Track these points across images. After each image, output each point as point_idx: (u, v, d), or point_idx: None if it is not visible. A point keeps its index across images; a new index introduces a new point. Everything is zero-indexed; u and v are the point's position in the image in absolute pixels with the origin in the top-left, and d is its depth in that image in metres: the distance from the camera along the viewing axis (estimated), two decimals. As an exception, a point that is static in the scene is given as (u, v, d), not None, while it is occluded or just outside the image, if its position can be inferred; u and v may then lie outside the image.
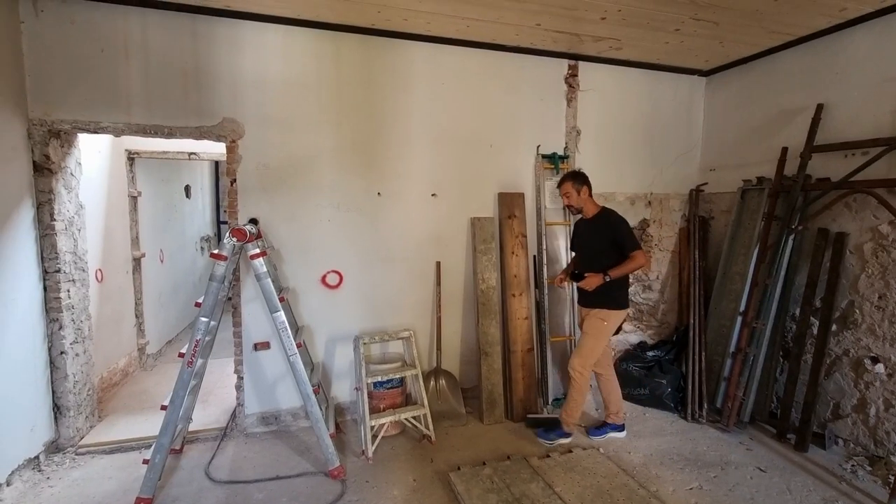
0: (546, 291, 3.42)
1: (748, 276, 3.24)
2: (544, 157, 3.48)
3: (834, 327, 2.90)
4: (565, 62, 3.51)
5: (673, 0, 2.55)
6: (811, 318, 3.00)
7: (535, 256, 3.49)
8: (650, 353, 3.63)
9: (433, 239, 3.32)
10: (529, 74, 3.43)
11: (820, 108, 2.98)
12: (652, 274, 3.92)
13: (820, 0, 2.54)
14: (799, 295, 3.08)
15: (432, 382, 3.25)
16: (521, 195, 3.45)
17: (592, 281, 2.71)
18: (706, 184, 3.85)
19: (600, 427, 3.04)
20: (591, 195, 2.88)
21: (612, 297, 2.81)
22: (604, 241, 2.78)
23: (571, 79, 3.54)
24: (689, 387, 3.32)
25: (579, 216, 2.98)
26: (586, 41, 3.18)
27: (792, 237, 3.07)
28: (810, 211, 3.04)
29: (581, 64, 3.54)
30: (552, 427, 2.98)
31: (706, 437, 3.06)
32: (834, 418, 2.92)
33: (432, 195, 3.29)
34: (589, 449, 2.83)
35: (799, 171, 3.03)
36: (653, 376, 3.46)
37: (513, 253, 3.36)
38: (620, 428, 3.04)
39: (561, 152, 3.54)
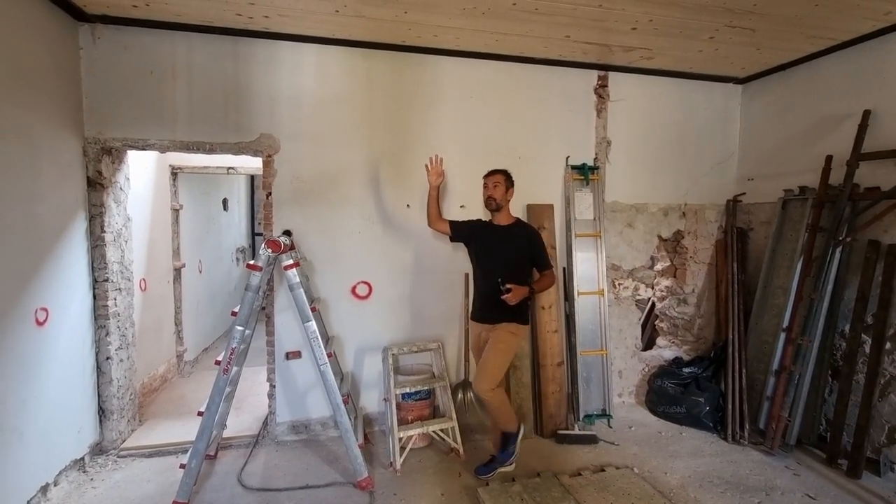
0: (576, 304, 3.36)
1: (792, 289, 3.10)
2: (574, 168, 3.45)
3: (888, 345, 2.72)
4: (595, 73, 3.49)
5: (706, 8, 2.51)
6: (863, 335, 2.83)
7: (564, 268, 3.44)
8: (686, 370, 3.50)
9: (462, 250, 3.32)
10: (558, 86, 3.43)
11: (867, 114, 2.85)
12: (687, 287, 3.80)
13: (863, 4, 2.44)
14: (848, 310, 2.91)
15: (460, 395, 3.22)
16: (551, 207, 3.42)
17: (520, 293, 2.46)
18: (744, 194, 3.72)
19: (488, 463, 2.69)
20: (509, 203, 2.70)
21: (522, 310, 2.61)
22: (521, 253, 2.62)
23: (601, 89, 3.51)
24: (729, 406, 3.17)
25: (478, 220, 2.82)
26: (616, 51, 3.16)
27: (839, 249, 2.91)
28: (859, 222, 2.88)
29: (611, 74, 3.51)
30: (492, 460, 2.68)
31: (748, 459, 2.91)
32: (889, 443, 2.72)
33: (461, 207, 3.30)
34: (623, 468, 2.73)
35: (846, 180, 2.89)
36: (689, 394, 3.33)
37: (542, 265, 3.32)
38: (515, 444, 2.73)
39: (591, 163, 3.50)
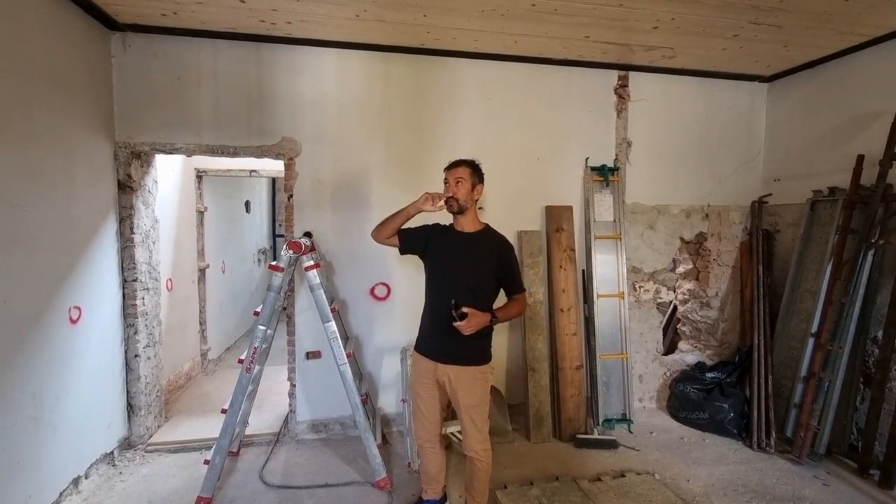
0: (595, 307, 3.32)
1: (821, 293, 3.00)
2: (593, 169, 3.42)
3: (925, 352, 2.62)
4: (615, 73, 3.45)
5: (731, 5, 2.46)
6: (897, 341, 2.72)
7: (583, 271, 3.41)
8: (709, 375, 3.42)
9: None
10: (577, 86, 3.40)
11: (901, 112, 2.75)
12: (710, 290, 3.72)
13: (897, -2, 2.37)
14: (881, 315, 2.81)
15: (478, 397, 3.22)
16: (570, 208, 3.39)
17: (478, 321, 1.89)
18: (770, 195, 3.63)
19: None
20: (476, 203, 2.12)
21: (484, 346, 2.09)
22: (488, 270, 2.05)
23: (621, 89, 3.47)
24: (755, 412, 3.09)
25: (435, 225, 2.23)
26: (637, 51, 3.12)
27: (871, 252, 2.81)
28: (892, 224, 2.78)
29: (631, 74, 3.47)
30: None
31: (775, 468, 2.83)
32: (928, 454, 2.61)
33: (478, 208, 3.29)
34: (643, 474, 2.69)
35: (878, 181, 2.79)
36: (713, 399, 3.25)
37: (560, 267, 3.30)
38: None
39: (611, 164, 3.46)
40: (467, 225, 2.11)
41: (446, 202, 2.08)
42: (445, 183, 2.10)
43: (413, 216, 2.19)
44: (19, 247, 2.05)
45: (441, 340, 2.06)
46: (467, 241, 2.10)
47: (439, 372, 2.09)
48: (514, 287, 2.10)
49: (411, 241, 2.22)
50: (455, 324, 1.88)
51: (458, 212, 2.09)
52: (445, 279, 2.09)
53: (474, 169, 2.11)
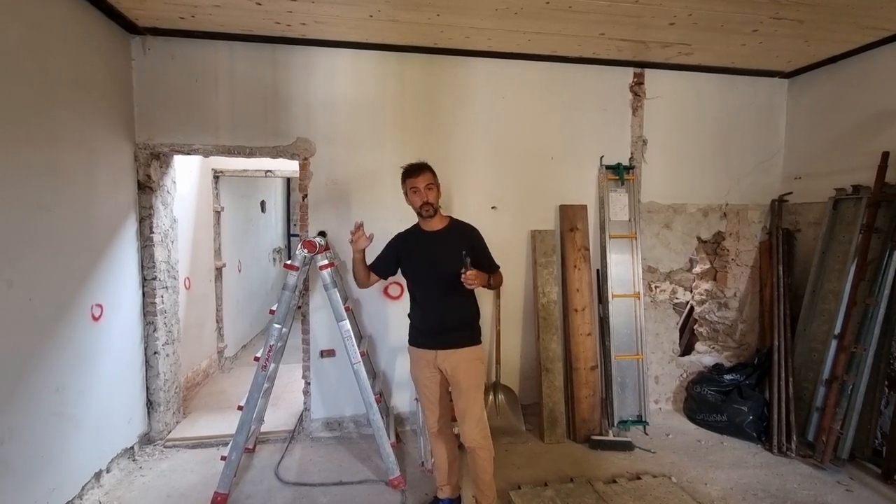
0: (610, 307, 3.29)
1: (844, 294, 2.93)
2: (608, 168, 3.38)
3: (954, 355, 2.54)
4: (630, 70, 3.41)
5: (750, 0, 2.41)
6: (924, 343, 2.65)
7: (598, 270, 3.38)
8: (728, 377, 3.36)
9: (493, 252, 3.30)
10: (592, 85, 3.37)
11: (929, 107, 2.67)
12: (728, 290, 3.65)
13: (925, -11, 2.30)
14: (908, 317, 2.73)
15: (491, 397, 3.22)
16: (584, 207, 3.37)
17: (481, 277, 2.05)
18: (790, 193, 3.55)
19: None
20: None
21: (476, 327, 2.21)
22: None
23: (637, 87, 3.43)
24: (775, 416, 3.02)
25: (397, 236, 2.32)
26: (653, 48, 3.07)
27: (897, 252, 2.74)
28: (920, 222, 2.70)
29: (647, 71, 3.42)
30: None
31: (796, 472, 2.76)
32: (957, 461, 2.53)
33: (492, 208, 3.30)
34: (660, 477, 2.65)
35: (905, 178, 2.71)
36: (731, 402, 3.20)
37: (575, 266, 3.27)
38: None
39: (626, 163, 3.42)
40: (436, 224, 2.21)
41: (420, 209, 2.16)
42: (414, 191, 2.15)
43: (363, 256, 2.27)
44: (43, 246, 2.10)
45: (437, 332, 2.18)
46: (439, 238, 2.20)
47: (440, 359, 2.16)
48: (490, 266, 2.24)
49: (385, 267, 2.32)
50: (464, 273, 1.97)
51: (433, 215, 2.17)
52: (428, 277, 2.19)
53: (434, 172, 2.21)
